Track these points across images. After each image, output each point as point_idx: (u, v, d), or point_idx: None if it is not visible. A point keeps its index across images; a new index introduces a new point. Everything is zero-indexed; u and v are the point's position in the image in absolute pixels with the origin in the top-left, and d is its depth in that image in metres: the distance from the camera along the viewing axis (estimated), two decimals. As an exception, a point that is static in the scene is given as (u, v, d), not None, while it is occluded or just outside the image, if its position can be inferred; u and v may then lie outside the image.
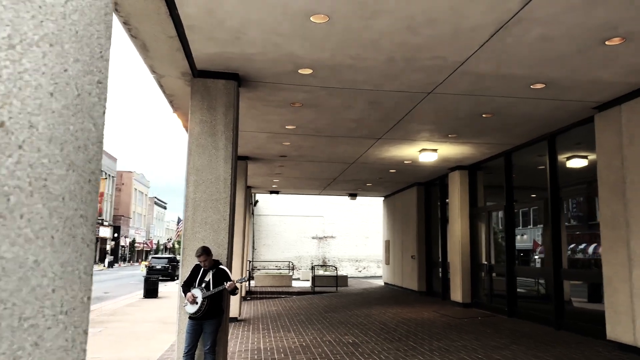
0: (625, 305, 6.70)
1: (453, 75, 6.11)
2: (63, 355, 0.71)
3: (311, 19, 4.70)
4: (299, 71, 6.07)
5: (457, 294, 12.28)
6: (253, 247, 27.52)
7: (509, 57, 5.57)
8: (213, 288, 5.19)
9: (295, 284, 21.01)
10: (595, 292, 8.72)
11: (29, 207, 0.64)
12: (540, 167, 9.81)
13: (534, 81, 6.28)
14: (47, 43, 0.65)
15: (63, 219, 0.69)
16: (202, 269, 5.30)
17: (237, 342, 8.00)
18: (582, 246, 8.98)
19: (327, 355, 6.98)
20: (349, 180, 15.17)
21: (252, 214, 24.81)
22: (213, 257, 5.41)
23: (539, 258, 10.83)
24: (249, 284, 17.90)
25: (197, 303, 5.13)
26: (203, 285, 5.23)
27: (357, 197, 19.67)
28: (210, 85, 5.98)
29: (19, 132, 0.62)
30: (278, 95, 7.01)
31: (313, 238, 30.24)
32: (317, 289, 18.12)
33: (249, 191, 15.43)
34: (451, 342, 7.82)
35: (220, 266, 5.41)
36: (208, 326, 5.17)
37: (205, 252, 5.25)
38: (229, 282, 5.22)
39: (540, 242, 10.98)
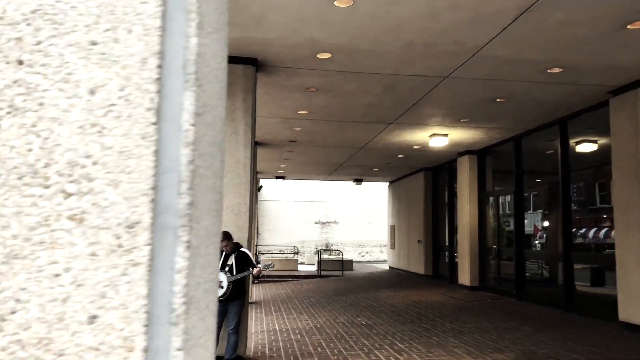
0: (638, 287, 6.81)
1: (471, 59, 6.13)
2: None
3: (335, 3, 4.71)
4: (317, 56, 6.09)
5: (465, 277, 12.42)
6: (257, 231, 27.71)
7: (528, 42, 5.58)
8: (236, 271, 5.29)
9: (300, 267, 21.21)
10: (599, 276, 8.84)
11: (209, 182, 0.71)
12: (548, 152, 9.86)
13: (552, 65, 6.30)
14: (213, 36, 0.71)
15: (217, 194, 0.76)
16: (224, 253, 5.39)
17: (253, 324, 8.13)
18: (591, 230, 9.08)
19: (343, 336, 7.11)
20: (356, 165, 15.23)
21: (257, 199, 24.95)
22: (234, 241, 5.49)
23: (539, 243, 10.97)
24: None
25: (222, 287, 5.24)
26: (227, 269, 5.32)
27: (362, 183, 19.76)
28: (230, 70, 5.98)
29: (207, 117, 0.69)
30: (294, 80, 7.04)
31: (316, 223, 30.42)
32: (323, 272, 18.29)
33: (256, 176, 15.51)
34: (463, 323, 7.96)
35: (242, 249, 5.51)
36: (233, 307, 5.28)
37: (226, 237, 5.33)
38: (255, 269, 5.33)
39: (540, 227, 11.10)
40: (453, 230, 14.15)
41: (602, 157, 8.22)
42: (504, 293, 11.12)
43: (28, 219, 0.51)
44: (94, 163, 0.52)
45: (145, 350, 0.51)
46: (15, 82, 0.52)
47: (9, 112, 0.52)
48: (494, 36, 5.43)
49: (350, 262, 20.57)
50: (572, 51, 5.83)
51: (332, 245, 29.60)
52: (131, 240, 0.52)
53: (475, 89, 7.35)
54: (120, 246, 0.52)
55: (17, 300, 0.50)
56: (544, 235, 10.84)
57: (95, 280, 0.51)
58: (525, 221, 10.98)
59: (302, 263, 24.33)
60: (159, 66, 0.55)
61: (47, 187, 0.52)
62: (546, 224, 10.90)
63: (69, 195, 0.52)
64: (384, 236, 26.05)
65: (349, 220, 30.51)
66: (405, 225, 17.95)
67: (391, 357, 5.92)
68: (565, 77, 6.71)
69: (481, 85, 7.16)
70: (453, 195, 14.12)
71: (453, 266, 13.88)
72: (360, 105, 8.32)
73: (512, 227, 11.38)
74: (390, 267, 20.38)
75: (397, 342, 6.68)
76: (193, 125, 0.57)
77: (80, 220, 0.51)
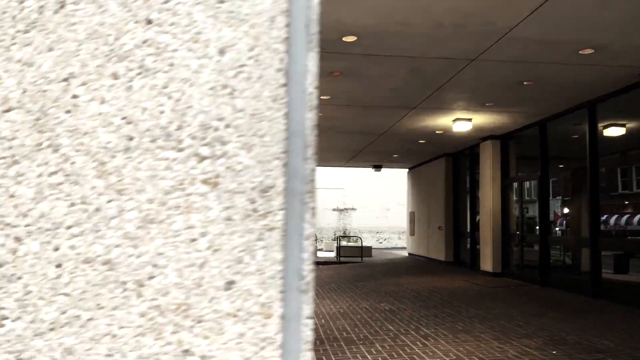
0: (669, 273, 6.69)
1: (500, 41, 6.00)
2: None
3: (364, -16, 4.64)
4: (343, 39, 6.02)
5: (487, 263, 12.33)
6: (276, 218, 27.85)
7: (560, 22, 5.44)
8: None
9: (319, 254, 21.29)
10: (622, 263, 8.70)
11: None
12: (574, 137, 9.67)
13: (583, 47, 6.14)
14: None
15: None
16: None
17: (277, 309, 8.20)
18: (612, 217, 8.92)
19: (367, 321, 7.13)
20: (376, 151, 15.13)
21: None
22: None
23: (559, 229, 10.80)
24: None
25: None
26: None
27: (381, 169, 19.64)
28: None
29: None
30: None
31: (334, 210, 30.44)
32: (342, 259, 18.33)
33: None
34: (488, 309, 7.92)
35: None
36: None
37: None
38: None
39: (560, 214, 10.93)
40: (474, 216, 14.04)
41: (627, 141, 8.04)
42: (527, 279, 11.02)
43: (163, 183, 0.50)
44: (227, 126, 0.51)
45: (282, 317, 0.50)
46: (144, 42, 0.51)
47: (139, 73, 0.51)
48: (525, 16, 5.30)
49: (369, 248, 20.57)
50: (605, 31, 5.67)
51: (349, 232, 29.62)
52: (266, 205, 0.50)
53: (502, 72, 7.21)
54: (255, 210, 0.50)
55: (155, 266, 0.49)
56: (564, 221, 10.68)
57: (232, 245, 0.50)
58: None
59: (321, 249, 24.43)
60: (287, 25, 0.53)
61: (180, 150, 0.50)
62: (567, 210, 10.73)
63: (203, 158, 0.50)
64: (402, 223, 25.97)
65: (366, 207, 30.46)
66: (425, 211, 17.85)
67: (417, 342, 5.92)
68: (596, 58, 6.53)
69: (509, 68, 7.02)
70: (475, 181, 13.98)
71: (474, 252, 13.79)
72: (385, 89, 8.23)
73: (531, 213, 11.25)
74: (409, 253, 20.34)
75: (422, 328, 6.67)
76: (316, 88, 0.55)
77: (215, 184, 0.50)
